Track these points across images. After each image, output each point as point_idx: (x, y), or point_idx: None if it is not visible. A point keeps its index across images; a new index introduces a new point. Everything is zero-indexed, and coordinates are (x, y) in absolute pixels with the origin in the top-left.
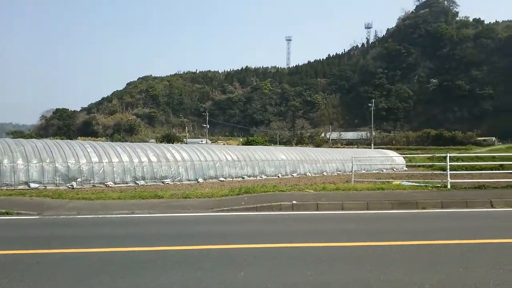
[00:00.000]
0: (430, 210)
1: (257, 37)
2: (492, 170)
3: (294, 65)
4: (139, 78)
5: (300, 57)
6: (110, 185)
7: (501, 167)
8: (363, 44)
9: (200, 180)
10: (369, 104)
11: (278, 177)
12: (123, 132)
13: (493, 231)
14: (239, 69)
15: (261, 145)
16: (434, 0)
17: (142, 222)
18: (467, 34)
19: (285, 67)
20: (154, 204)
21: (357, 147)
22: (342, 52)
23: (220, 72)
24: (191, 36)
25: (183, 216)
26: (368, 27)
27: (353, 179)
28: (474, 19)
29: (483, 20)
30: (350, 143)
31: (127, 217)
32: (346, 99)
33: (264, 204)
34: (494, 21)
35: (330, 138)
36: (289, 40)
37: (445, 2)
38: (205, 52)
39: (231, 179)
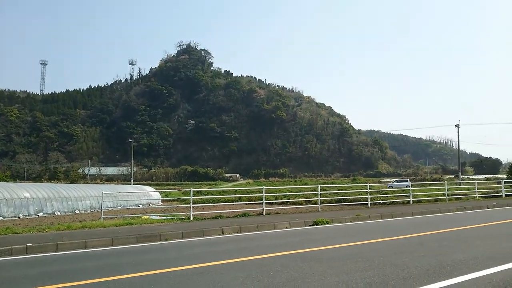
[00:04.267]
0: (172, 240)
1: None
2: (233, 202)
3: (50, 92)
4: None
5: (58, 84)
6: None
7: (240, 199)
8: (126, 80)
9: None
10: (130, 140)
11: (19, 217)
12: None
13: (211, 255)
14: None
15: None
16: (192, 49)
17: None
18: (219, 83)
19: (39, 93)
20: None
21: (117, 183)
22: (104, 85)
23: None
24: None
25: None
26: (132, 63)
27: (102, 216)
28: (225, 71)
29: (232, 73)
30: (110, 179)
31: None
32: (107, 133)
33: None
34: (240, 75)
35: (89, 173)
36: (44, 64)
37: (202, 52)
38: None
39: None
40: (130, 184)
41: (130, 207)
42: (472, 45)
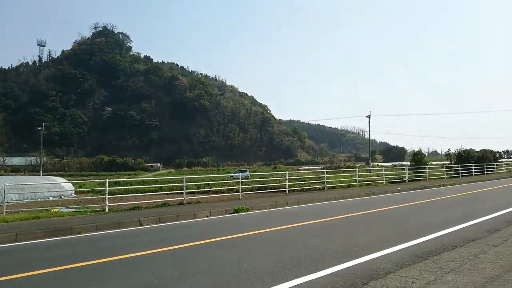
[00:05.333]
0: (85, 234)
1: None
2: (153, 192)
3: None
4: None
5: None
6: None
7: (160, 189)
8: (34, 62)
9: None
10: (39, 128)
11: None
12: None
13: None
14: None
15: None
16: (109, 32)
17: None
18: (138, 68)
19: None
20: None
21: (23, 174)
22: (9, 67)
23: None
24: None
25: None
26: (41, 44)
27: (5, 210)
28: (145, 56)
29: (152, 59)
30: (16, 170)
31: None
32: (12, 120)
33: None
34: (161, 61)
35: None
36: None
37: (120, 35)
38: None
39: None
40: (39, 175)
41: (39, 199)
42: (382, 41)
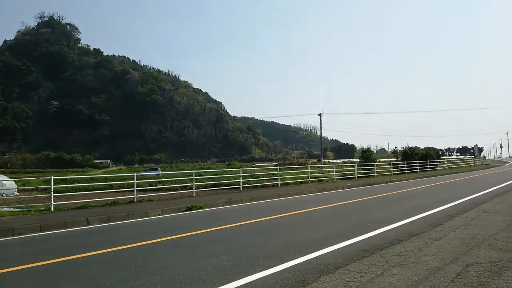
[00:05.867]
0: (28, 235)
1: None
2: (103, 190)
3: None
4: None
5: None
6: None
7: (110, 187)
8: None
9: None
10: None
11: None
12: None
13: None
14: None
15: None
16: (56, 22)
17: None
18: (88, 61)
19: None
20: None
21: None
22: None
23: None
24: None
25: None
26: None
27: None
28: (94, 49)
29: (102, 52)
30: None
31: None
32: None
33: None
34: (112, 54)
35: None
36: None
37: (68, 26)
38: None
39: None
40: None
41: None
42: (331, 41)
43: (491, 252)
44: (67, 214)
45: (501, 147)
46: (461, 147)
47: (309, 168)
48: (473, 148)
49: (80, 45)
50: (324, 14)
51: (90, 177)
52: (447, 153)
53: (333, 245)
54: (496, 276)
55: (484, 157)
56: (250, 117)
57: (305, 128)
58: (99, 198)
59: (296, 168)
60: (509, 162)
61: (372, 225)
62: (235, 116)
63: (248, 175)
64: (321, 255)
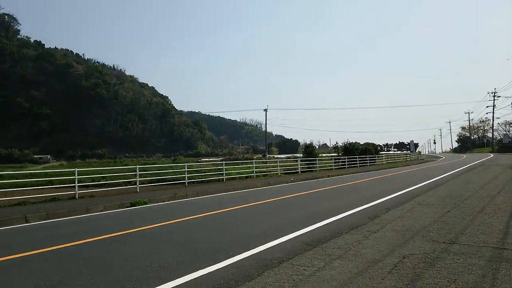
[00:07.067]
0: None
1: None
2: (43, 186)
3: None
4: None
5: None
6: None
7: (50, 183)
8: None
9: None
10: None
11: None
12: None
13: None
14: None
15: None
16: None
17: None
18: (28, 54)
19: None
20: None
21: None
22: None
23: None
24: None
25: None
26: None
27: None
28: (35, 41)
29: (44, 44)
30: None
31: None
32: None
33: None
34: (54, 47)
35: None
36: None
37: (6, 16)
38: None
39: None
40: None
41: None
42: (278, 38)
43: (425, 244)
44: (3, 211)
45: (434, 142)
46: (398, 142)
47: (254, 163)
48: (409, 144)
49: (19, 36)
50: (274, 13)
51: (29, 172)
52: (385, 148)
53: (276, 239)
54: (430, 267)
55: (419, 152)
56: (197, 111)
57: (250, 123)
58: (39, 194)
59: (242, 163)
60: (442, 157)
61: (314, 218)
62: (182, 110)
63: (193, 170)
64: (265, 249)
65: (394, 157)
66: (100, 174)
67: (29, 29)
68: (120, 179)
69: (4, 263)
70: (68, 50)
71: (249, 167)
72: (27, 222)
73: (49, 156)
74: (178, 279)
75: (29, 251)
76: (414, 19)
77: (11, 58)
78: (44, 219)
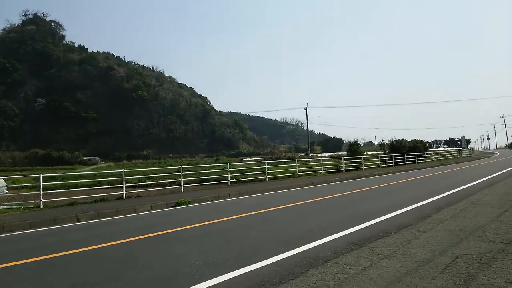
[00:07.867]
0: (18, 232)
1: None
2: (92, 186)
3: None
4: None
5: None
6: None
7: (99, 183)
8: None
9: None
10: None
11: None
12: None
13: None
14: None
15: None
16: (41, 19)
17: None
18: (73, 58)
19: None
20: None
21: None
22: None
23: None
24: None
25: None
26: None
27: None
28: (79, 46)
29: (87, 48)
30: None
31: None
32: None
33: None
34: (96, 50)
35: None
36: None
37: (52, 23)
38: None
39: None
40: None
41: None
42: (319, 36)
43: (480, 244)
44: (57, 211)
45: (488, 138)
46: (448, 139)
47: (296, 162)
48: (460, 140)
49: (65, 42)
50: (316, 10)
51: (79, 174)
52: (434, 145)
53: (322, 238)
54: (486, 267)
55: (472, 148)
56: (236, 112)
57: (291, 122)
58: (88, 194)
59: (284, 162)
60: (497, 153)
61: (360, 218)
62: (221, 111)
63: (236, 169)
64: (310, 248)
65: (445, 154)
66: (146, 174)
67: (73, 34)
68: (165, 179)
69: (57, 259)
70: (109, 53)
71: (291, 166)
72: (78, 221)
73: (97, 158)
74: (223, 275)
75: (79, 248)
76: (463, 12)
77: (58, 64)
78: (94, 218)
